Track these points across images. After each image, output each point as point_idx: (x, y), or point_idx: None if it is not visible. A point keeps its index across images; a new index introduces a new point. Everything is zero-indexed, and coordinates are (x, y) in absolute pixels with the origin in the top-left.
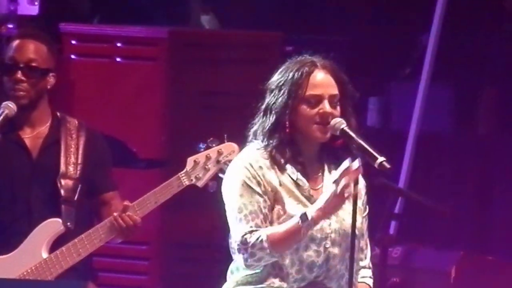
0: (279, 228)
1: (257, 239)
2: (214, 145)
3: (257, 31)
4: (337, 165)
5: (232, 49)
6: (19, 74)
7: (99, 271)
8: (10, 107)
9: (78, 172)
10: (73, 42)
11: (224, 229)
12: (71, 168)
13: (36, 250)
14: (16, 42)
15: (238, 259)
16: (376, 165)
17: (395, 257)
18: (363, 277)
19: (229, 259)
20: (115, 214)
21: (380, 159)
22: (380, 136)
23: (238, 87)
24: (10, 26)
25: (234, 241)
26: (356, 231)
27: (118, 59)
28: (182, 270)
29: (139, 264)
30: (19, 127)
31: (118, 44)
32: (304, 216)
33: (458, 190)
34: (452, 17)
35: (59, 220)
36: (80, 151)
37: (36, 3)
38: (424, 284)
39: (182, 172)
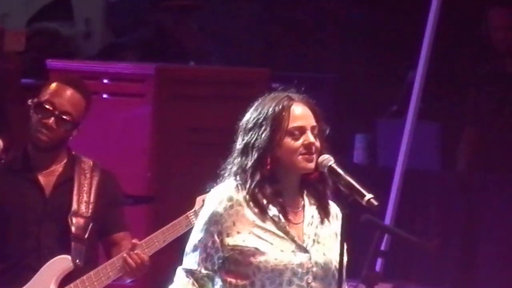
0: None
1: None
2: None
3: (244, 68)
4: (315, 197)
5: (218, 85)
6: (51, 121)
7: None
8: None
9: (90, 211)
10: None
11: None
12: (83, 207)
13: (44, 286)
14: (59, 87)
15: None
16: (364, 202)
17: None
18: None
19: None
20: (124, 253)
21: (368, 196)
22: (366, 173)
23: (225, 124)
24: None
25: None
26: (336, 265)
27: (104, 96)
28: None
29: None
30: (34, 164)
31: (105, 81)
32: None
33: (444, 227)
34: (438, 55)
35: (69, 257)
36: (93, 190)
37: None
38: None
39: (191, 211)
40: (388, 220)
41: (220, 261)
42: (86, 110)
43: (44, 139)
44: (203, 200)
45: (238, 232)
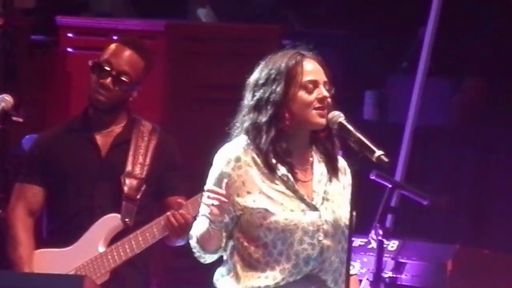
0: (202, 228)
1: (190, 236)
2: None
3: (254, 25)
4: (324, 154)
5: (228, 42)
6: (108, 81)
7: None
8: (6, 100)
9: (145, 173)
10: (70, 35)
11: None
12: (137, 168)
13: (93, 244)
14: (117, 46)
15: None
16: (374, 159)
17: (391, 250)
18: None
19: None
20: (168, 212)
21: (378, 152)
22: (376, 130)
23: (235, 81)
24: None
25: None
26: (346, 222)
27: None
28: (178, 264)
29: None
30: (93, 125)
31: (115, 37)
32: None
33: (455, 184)
34: (449, 11)
35: (118, 215)
36: (149, 153)
37: None
38: (420, 278)
39: None
40: (398, 176)
41: (234, 220)
42: (146, 72)
43: (102, 99)
44: None
45: (248, 192)
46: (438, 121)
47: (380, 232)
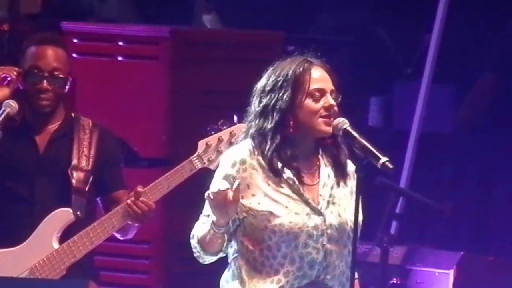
0: (204, 229)
1: (192, 235)
2: (224, 127)
3: (259, 31)
4: (331, 158)
5: (233, 48)
6: (44, 84)
7: (100, 270)
8: (11, 105)
9: (90, 164)
10: (75, 40)
11: None
12: (83, 161)
13: (46, 240)
14: (37, 49)
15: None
16: (379, 165)
17: (396, 257)
18: None
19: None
20: (128, 200)
21: (383, 159)
22: (381, 136)
23: (239, 87)
24: None
25: None
26: (352, 225)
27: (119, 58)
28: (183, 269)
29: (140, 263)
30: (31, 125)
31: (120, 43)
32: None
33: (459, 190)
34: (454, 16)
35: (70, 210)
36: (93, 146)
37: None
38: (425, 285)
39: (194, 156)
40: (403, 183)
41: (236, 223)
42: (69, 59)
43: (45, 103)
44: (206, 144)
45: (253, 195)
46: (443, 128)
47: (385, 239)
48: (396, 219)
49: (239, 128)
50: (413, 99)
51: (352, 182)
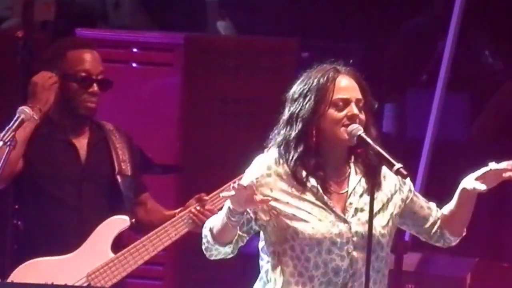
0: (219, 218)
1: (205, 226)
2: None
3: (273, 37)
4: (363, 165)
5: (247, 55)
6: (95, 88)
7: None
8: (26, 112)
9: (130, 169)
10: None
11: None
12: (123, 165)
13: (102, 248)
14: (80, 53)
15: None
16: (393, 172)
17: (410, 263)
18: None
19: (244, 265)
20: (192, 209)
21: (397, 166)
22: (396, 143)
23: (254, 94)
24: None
25: None
26: (381, 231)
27: (134, 65)
28: (197, 276)
29: (155, 269)
30: (62, 128)
31: (134, 50)
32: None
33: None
34: (468, 25)
35: (126, 217)
36: (126, 150)
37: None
38: None
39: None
40: (417, 189)
41: (256, 227)
42: None
43: (94, 106)
44: None
45: (275, 199)
46: (457, 135)
47: (400, 245)
48: None
49: None
50: (428, 106)
51: (384, 184)
